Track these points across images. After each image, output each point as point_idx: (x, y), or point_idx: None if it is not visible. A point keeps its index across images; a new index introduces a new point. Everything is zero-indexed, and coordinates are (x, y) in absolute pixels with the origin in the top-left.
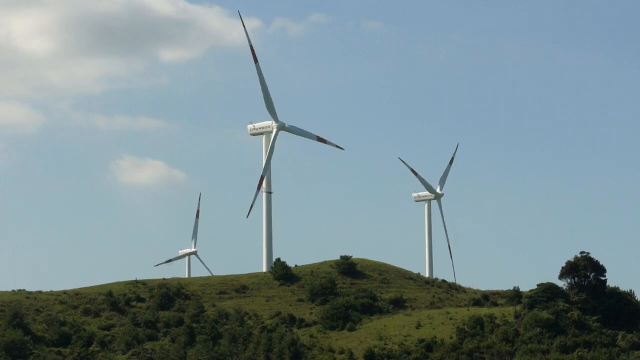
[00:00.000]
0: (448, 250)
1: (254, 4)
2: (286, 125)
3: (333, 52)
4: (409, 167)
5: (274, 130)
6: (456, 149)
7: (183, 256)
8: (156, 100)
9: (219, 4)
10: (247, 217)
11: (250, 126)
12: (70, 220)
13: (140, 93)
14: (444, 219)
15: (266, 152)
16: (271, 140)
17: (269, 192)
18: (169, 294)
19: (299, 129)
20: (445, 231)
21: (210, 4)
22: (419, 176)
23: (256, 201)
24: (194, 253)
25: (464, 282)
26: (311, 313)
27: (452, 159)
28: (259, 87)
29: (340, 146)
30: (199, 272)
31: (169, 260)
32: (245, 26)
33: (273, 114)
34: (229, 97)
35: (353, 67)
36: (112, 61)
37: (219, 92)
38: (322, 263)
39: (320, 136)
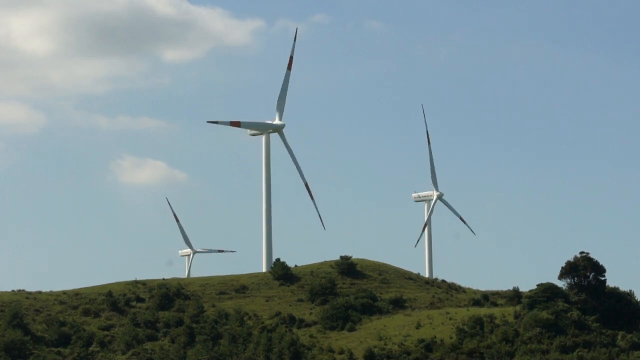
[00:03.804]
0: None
1: (258, 5)
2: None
3: (334, 51)
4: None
5: (279, 134)
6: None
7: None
8: (158, 101)
9: (220, 5)
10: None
11: None
12: (71, 220)
13: (142, 93)
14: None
15: (266, 154)
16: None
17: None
18: (169, 294)
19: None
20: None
21: (212, 5)
22: (429, 144)
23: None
24: (195, 252)
25: (463, 282)
26: (311, 313)
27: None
28: (278, 88)
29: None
30: (198, 272)
31: (175, 217)
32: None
33: (280, 110)
34: (230, 98)
35: (354, 67)
36: (114, 61)
37: (220, 92)
38: (322, 263)
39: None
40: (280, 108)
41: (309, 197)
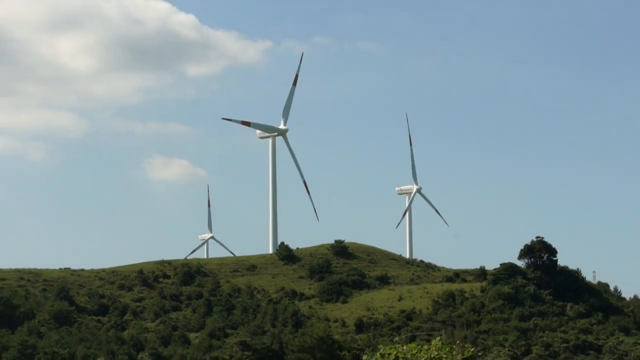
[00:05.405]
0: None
1: (266, 28)
2: (283, 128)
3: (332, 67)
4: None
5: (283, 137)
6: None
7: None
8: (183, 109)
9: (236, 29)
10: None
11: (258, 131)
12: (108, 209)
13: (170, 103)
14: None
15: (273, 154)
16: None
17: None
18: (191, 272)
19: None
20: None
21: (229, 29)
22: (411, 146)
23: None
24: (212, 237)
25: (439, 262)
26: (310, 288)
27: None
28: (284, 99)
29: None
30: (216, 253)
31: (209, 202)
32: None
33: (285, 117)
34: (244, 107)
35: (348, 79)
36: (147, 76)
37: (235, 102)
38: (319, 246)
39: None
40: (285, 116)
41: (307, 193)
